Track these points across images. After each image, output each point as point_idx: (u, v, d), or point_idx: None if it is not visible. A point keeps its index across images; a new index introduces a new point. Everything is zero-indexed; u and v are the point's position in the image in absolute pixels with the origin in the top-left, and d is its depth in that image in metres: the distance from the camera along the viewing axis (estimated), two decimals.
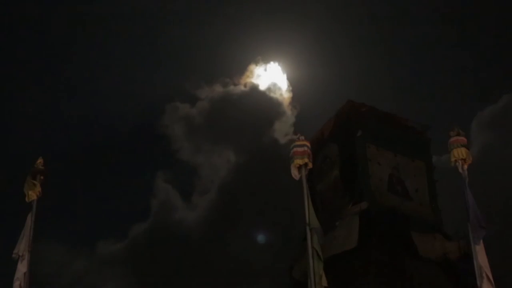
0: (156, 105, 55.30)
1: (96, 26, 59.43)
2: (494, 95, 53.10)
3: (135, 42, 64.38)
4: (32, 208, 14.53)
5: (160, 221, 51.47)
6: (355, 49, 59.14)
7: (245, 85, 51.84)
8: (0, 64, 61.04)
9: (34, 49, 60.36)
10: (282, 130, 49.45)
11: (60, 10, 59.94)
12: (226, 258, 45.98)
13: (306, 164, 13.32)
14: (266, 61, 51.24)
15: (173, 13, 61.25)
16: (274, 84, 50.79)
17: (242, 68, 53.20)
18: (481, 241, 12.33)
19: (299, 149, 13.44)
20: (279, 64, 51.03)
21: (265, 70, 51.42)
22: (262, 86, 51.10)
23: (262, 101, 50.40)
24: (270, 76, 51.12)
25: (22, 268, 13.84)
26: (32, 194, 14.61)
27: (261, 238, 43.91)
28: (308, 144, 13.58)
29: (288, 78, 50.77)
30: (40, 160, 15.13)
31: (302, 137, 13.67)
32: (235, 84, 52.62)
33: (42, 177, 14.87)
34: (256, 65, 51.30)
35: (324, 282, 12.20)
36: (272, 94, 50.80)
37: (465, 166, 13.05)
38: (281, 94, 50.58)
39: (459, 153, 13.12)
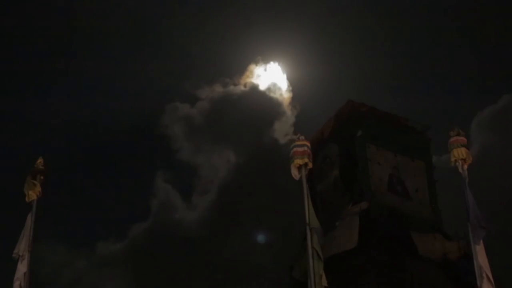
0: (156, 105, 55.34)
1: (96, 26, 59.47)
2: (494, 95, 53.18)
3: (135, 42, 64.38)
4: (32, 208, 14.51)
5: (160, 221, 51.58)
6: (355, 49, 59.23)
7: (245, 85, 51.88)
8: (0, 64, 61.08)
9: (34, 49, 60.38)
10: (282, 130, 49.49)
11: (60, 10, 60.03)
12: (226, 258, 46.04)
13: (306, 164, 13.30)
14: (266, 61, 51.27)
15: (173, 13, 61.32)
16: (274, 84, 50.81)
17: (242, 68, 53.25)
18: (481, 241, 12.32)
19: (299, 149, 13.42)
20: (279, 64, 51.05)
21: (265, 70, 51.44)
22: (262, 86, 51.13)
23: (262, 101, 50.44)
24: (270, 76, 51.14)
25: (22, 268, 13.83)
26: (32, 194, 14.60)
27: (261, 238, 43.90)
28: (308, 144, 13.56)
29: (288, 78, 50.81)
30: (40, 160, 15.12)
31: (302, 137, 13.65)
32: (235, 84, 52.68)
33: (42, 177, 14.85)
34: (256, 65, 51.32)
35: (324, 282, 12.19)
36: (272, 94, 50.83)
37: (465, 166, 13.03)
38: (281, 94, 50.59)
39: (459, 153, 13.10)
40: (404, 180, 29.35)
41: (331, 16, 59.60)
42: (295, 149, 13.46)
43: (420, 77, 61.76)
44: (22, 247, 13.98)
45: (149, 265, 47.35)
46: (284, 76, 50.86)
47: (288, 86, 50.66)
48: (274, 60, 51.19)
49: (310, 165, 13.42)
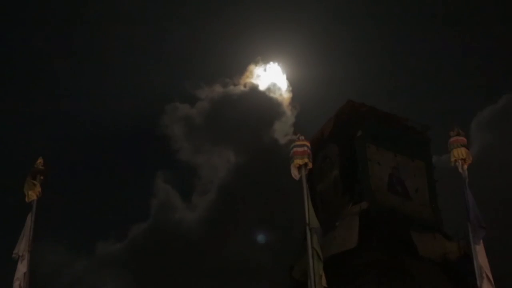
0: (156, 105, 55.29)
1: (96, 26, 59.52)
2: (494, 95, 53.17)
3: (135, 42, 64.34)
4: (32, 208, 14.52)
5: (160, 222, 51.55)
6: (355, 49, 59.20)
7: (245, 85, 51.83)
8: (0, 64, 61.07)
9: (34, 49, 60.35)
10: (282, 130, 49.43)
11: (60, 10, 60.03)
12: (226, 258, 46.03)
13: (306, 164, 13.32)
14: (265, 61, 51.19)
15: (173, 13, 61.30)
16: (274, 84, 50.73)
17: (241, 68, 53.20)
18: (481, 241, 12.33)
19: (299, 149, 13.44)
20: (278, 64, 50.95)
21: (265, 70, 51.35)
22: (262, 86, 51.05)
23: (262, 101, 50.37)
24: (270, 76, 51.06)
25: (22, 268, 13.84)
26: (32, 194, 14.60)
27: (261, 238, 43.90)
28: (308, 144, 13.57)
29: (288, 78, 50.71)
30: (40, 160, 15.13)
31: (302, 137, 13.66)
32: (235, 84, 52.63)
33: (42, 177, 14.86)
34: (256, 65, 51.25)
35: (324, 282, 12.20)
36: (272, 94, 50.76)
37: (465, 166, 13.05)
38: (280, 94, 50.52)
39: (459, 153, 13.12)
40: (404, 180, 29.34)
41: (331, 16, 59.67)
42: (295, 149, 13.48)
43: (420, 77, 61.78)
44: (22, 247, 13.98)
45: (149, 265, 47.38)
46: (284, 76, 50.83)
47: (288, 86, 50.64)
48: (274, 60, 51.17)
49: (310, 165, 13.43)
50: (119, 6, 57.73)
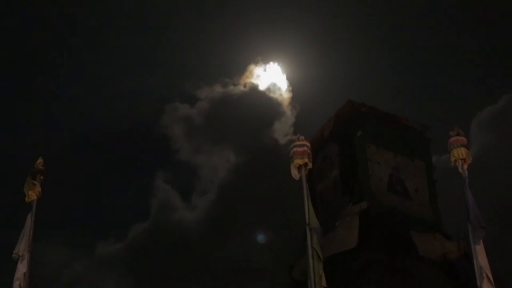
0: (156, 105, 55.31)
1: (95, 26, 59.53)
2: (494, 95, 53.21)
3: (135, 42, 64.40)
4: (32, 208, 14.53)
5: (160, 222, 51.50)
6: (356, 49, 59.19)
7: (244, 86, 51.81)
8: (0, 64, 61.07)
9: (34, 50, 60.38)
10: (282, 130, 49.40)
11: (59, 10, 60.01)
12: (226, 258, 46.00)
13: (306, 164, 13.33)
14: (265, 61, 51.15)
15: (172, 13, 61.28)
16: (274, 84, 50.71)
17: (241, 68, 53.17)
18: (481, 241, 12.33)
19: (299, 149, 13.45)
20: (278, 64, 50.92)
21: (265, 70, 51.32)
22: (262, 86, 51.02)
23: (262, 102, 50.35)
24: (270, 76, 51.03)
25: (22, 268, 13.85)
26: (32, 194, 14.61)
27: (261, 238, 43.84)
28: (308, 144, 13.59)
29: (287, 78, 50.68)
30: (40, 160, 15.14)
31: (302, 137, 13.68)
32: (234, 85, 52.61)
33: (42, 177, 14.88)
34: (256, 65, 51.21)
35: (324, 282, 12.21)
36: (271, 94, 50.74)
37: (465, 166, 13.06)
38: (280, 94, 50.50)
39: (459, 153, 13.13)
40: (404, 180, 29.32)
41: (331, 16, 59.66)
42: (295, 149, 13.49)
43: (420, 77, 61.83)
44: (22, 247, 13.99)
45: (149, 265, 47.40)
46: (284, 76, 50.80)
47: (288, 86, 50.61)
48: (273, 60, 51.13)
49: (310, 165, 13.45)
50: (120, 6, 57.77)
